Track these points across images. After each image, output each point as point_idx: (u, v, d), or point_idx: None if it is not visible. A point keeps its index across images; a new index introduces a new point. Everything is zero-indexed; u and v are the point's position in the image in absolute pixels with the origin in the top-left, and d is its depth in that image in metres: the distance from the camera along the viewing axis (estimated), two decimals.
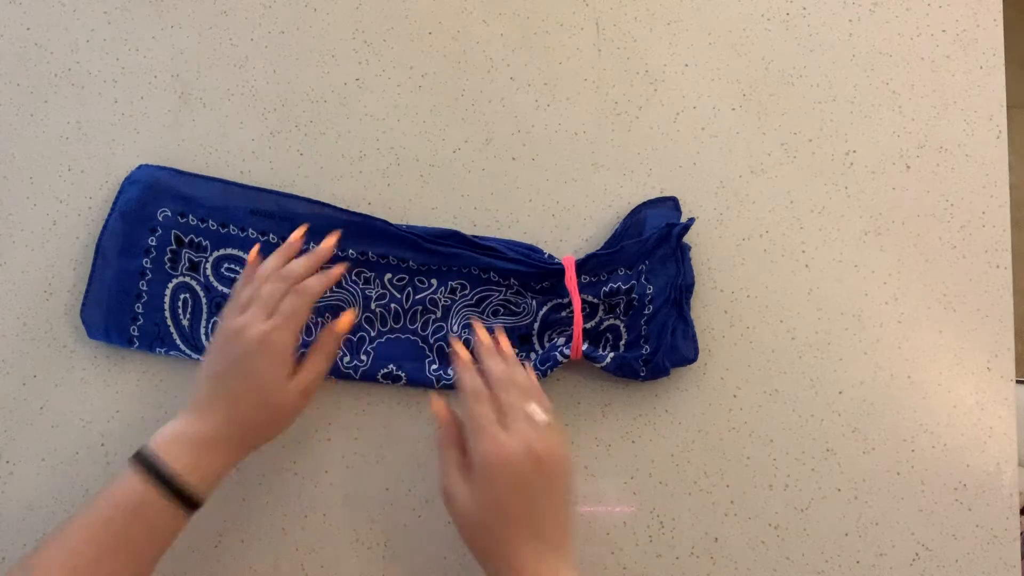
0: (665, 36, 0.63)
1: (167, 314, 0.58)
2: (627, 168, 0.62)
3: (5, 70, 0.61)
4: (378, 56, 0.62)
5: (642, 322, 0.58)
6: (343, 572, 0.58)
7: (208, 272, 0.58)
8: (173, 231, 0.58)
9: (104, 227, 0.58)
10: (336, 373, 0.58)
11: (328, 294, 0.59)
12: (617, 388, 0.60)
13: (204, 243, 0.58)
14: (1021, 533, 0.60)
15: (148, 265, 0.58)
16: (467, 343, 0.59)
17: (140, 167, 0.59)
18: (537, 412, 0.48)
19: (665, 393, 0.60)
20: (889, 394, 0.60)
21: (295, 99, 0.62)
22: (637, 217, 0.60)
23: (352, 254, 0.59)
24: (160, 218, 0.58)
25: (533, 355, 0.58)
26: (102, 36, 0.62)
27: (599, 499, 0.59)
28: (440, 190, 0.61)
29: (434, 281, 0.59)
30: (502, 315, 0.59)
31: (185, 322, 0.58)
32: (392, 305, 0.59)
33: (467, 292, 0.59)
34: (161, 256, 0.58)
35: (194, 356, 0.58)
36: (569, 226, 0.61)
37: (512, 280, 0.59)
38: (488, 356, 0.52)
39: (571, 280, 0.57)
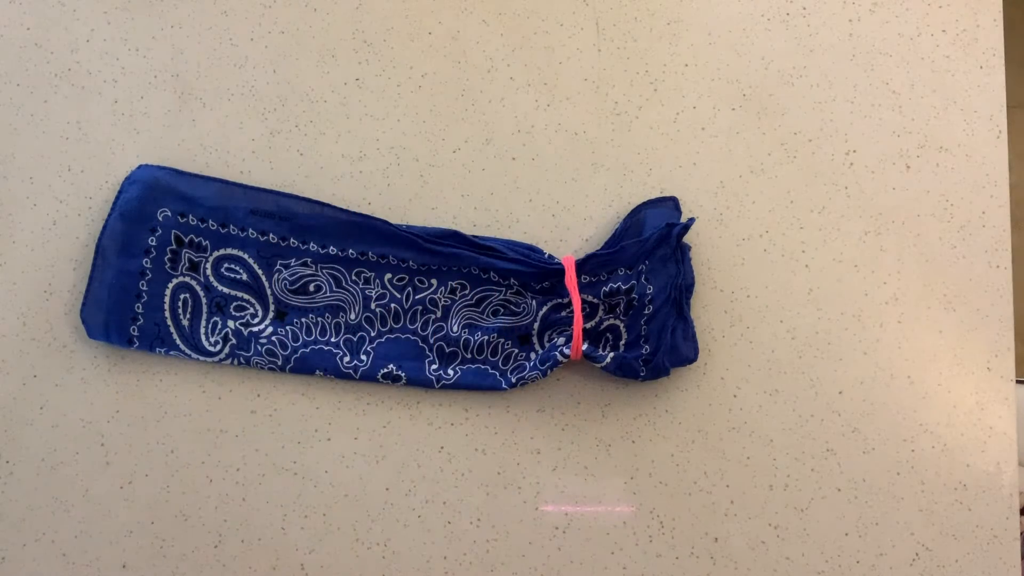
0: (665, 36, 0.63)
1: (167, 314, 0.58)
2: (627, 168, 0.62)
3: (5, 70, 0.61)
4: (378, 56, 0.62)
5: (642, 322, 0.58)
6: (343, 572, 0.58)
7: (208, 272, 0.58)
8: (173, 231, 0.58)
9: (104, 227, 0.58)
10: (336, 373, 0.58)
11: (328, 294, 0.59)
12: (617, 388, 0.60)
13: (204, 243, 0.58)
14: (1021, 533, 0.60)
15: (148, 265, 0.58)
16: (466, 343, 0.59)
17: (140, 167, 0.59)
18: None
19: (665, 393, 0.60)
20: (889, 394, 0.60)
21: (295, 99, 0.62)
22: (637, 217, 0.60)
23: (352, 254, 0.59)
24: (160, 218, 0.58)
25: (533, 355, 0.58)
26: (102, 36, 0.62)
27: (599, 499, 0.59)
28: (440, 190, 0.61)
29: (434, 281, 0.59)
30: (502, 315, 0.59)
31: (185, 322, 0.58)
32: (392, 305, 0.59)
33: (467, 292, 0.59)
34: (161, 256, 0.58)
35: (194, 356, 0.58)
36: (569, 226, 0.61)
37: (512, 280, 0.59)
38: None
39: (571, 280, 0.57)
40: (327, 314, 0.59)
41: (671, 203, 0.61)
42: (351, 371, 0.58)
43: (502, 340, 0.59)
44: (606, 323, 0.58)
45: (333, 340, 0.58)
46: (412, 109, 0.62)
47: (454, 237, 0.59)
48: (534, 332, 0.59)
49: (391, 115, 0.62)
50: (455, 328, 0.59)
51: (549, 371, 0.57)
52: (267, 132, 0.61)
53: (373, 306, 0.59)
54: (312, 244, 0.59)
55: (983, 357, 0.60)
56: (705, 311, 0.60)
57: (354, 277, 0.59)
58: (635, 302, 0.58)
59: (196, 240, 0.58)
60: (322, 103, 0.62)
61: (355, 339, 0.59)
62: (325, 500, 0.59)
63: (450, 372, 0.59)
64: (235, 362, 0.58)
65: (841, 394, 0.60)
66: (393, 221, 0.59)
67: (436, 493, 0.59)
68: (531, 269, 0.58)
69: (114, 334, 0.58)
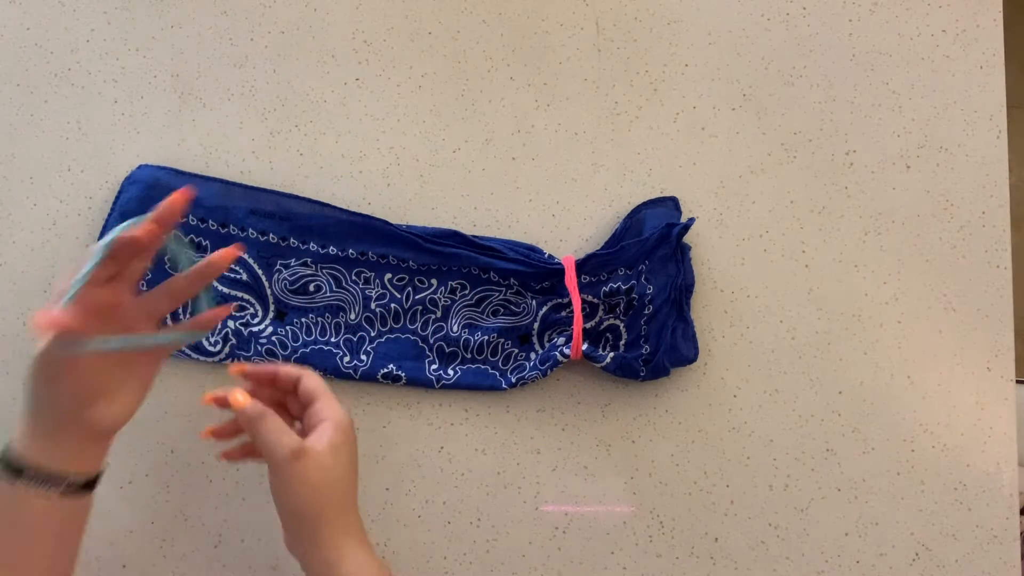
0: (665, 36, 0.63)
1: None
2: (627, 168, 0.62)
3: (5, 70, 0.61)
4: (378, 56, 0.62)
5: (642, 322, 0.58)
6: None
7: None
8: (173, 232, 0.58)
9: (104, 227, 0.58)
10: (336, 373, 0.58)
11: (328, 294, 0.59)
12: (617, 388, 0.60)
13: (204, 243, 0.58)
14: (1021, 533, 0.60)
15: (148, 265, 0.58)
16: (466, 343, 0.59)
17: (140, 167, 0.59)
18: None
19: (665, 393, 0.60)
20: (889, 394, 0.60)
21: (295, 99, 0.62)
22: (637, 217, 0.60)
23: (352, 254, 0.59)
24: None
25: (533, 355, 0.58)
26: (102, 36, 0.62)
27: (599, 499, 0.59)
28: (440, 190, 0.61)
29: (434, 281, 0.59)
30: (502, 315, 0.59)
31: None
32: (392, 305, 0.59)
33: (467, 292, 0.59)
34: (161, 256, 0.58)
35: (193, 356, 0.58)
36: (569, 226, 0.61)
37: (512, 280, 0.59)
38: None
39: (571, 280, 0.57)
40: (327, 314, 0.59)
41: (671, 203, 0.61)
42: (351, 371, 0.58)
43: (502, 340, 0.59)
44: (606, 323, 0.58)
45: (333, 340, 0.58)
46: (412, 109, 0.62)
47: (454, 237, 0.59)
48: (534, 332, 0.59)
49: (391, 115, 0.62)
50: (455, 328, 0.59)
51: (549, 371, 0.57)
52: (267, 132, 0.61)
53: (373, 306, 0.59)
54: (312, 244, 0.59)
55: (983, 357, 0.60)
56: (705, 311, 0.60)
57: (354, 277, 0.59)
58: (635, 302, 0.58)
59: (196, 240, 0.58)
60: (322, 103, 0.62)
61: (355, 339, 0.59)
62: None
63: (450, 372, 0.59)
64: (235, 362, 0.58)
65: (841, 394, 0.60)
66: (393, 221, 0.59)
67: (436, 493, 0.59)
68: (531, 269, 0.58)
69: None
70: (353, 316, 0.59)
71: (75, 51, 0.61)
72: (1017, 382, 0.61)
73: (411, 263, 0.59)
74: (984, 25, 0.62)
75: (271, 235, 0.58)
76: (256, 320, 0.58)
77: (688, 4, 0.63)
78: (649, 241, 0.58)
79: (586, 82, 0.62)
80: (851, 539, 0.59)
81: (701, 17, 0.63)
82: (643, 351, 0.58)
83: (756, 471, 0.59)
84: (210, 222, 0.58)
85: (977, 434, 0.59)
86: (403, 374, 0.58)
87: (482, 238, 0.59)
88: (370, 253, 0.59)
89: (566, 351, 0.57)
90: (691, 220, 0.58)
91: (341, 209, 0.59)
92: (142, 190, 0.58)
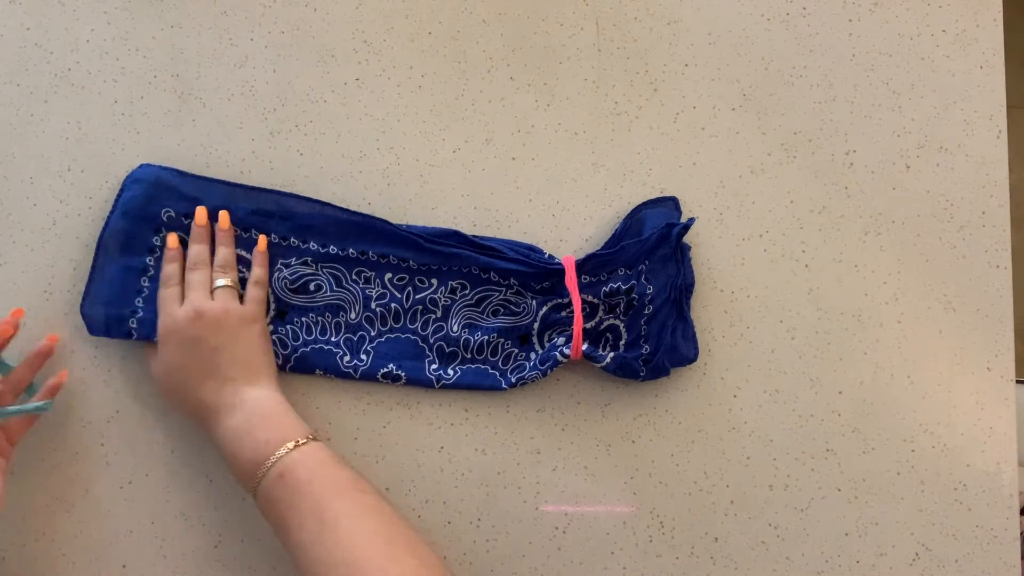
0: (665, 36, 0.63)
1: None
2: (627, 168, 0.62)
3: (5, 70, 0.61)
4: (378, 56, 0.62)
5: (642, 322, 0.58)
6: None
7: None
8: (177, 233, 0.58)
9: (106, 224, 0.58)
10: (336, 372, 0.58)
11: (329, 294, 0.59)
12: (617, 388, 0.60)
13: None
14: (1021, 533, 0.60)
15: (151, 263, 0.58)
16: (466, 343, 0.59)
17: (142, 166, 0.59)
18: (220, 280, 0.56)
19: (665, 393, 0.60)
20: (889, 394, 0.60)
21: (295, 99, 0.62)
22: (637, 217, 0.60)
23: (352, 253, 0.59)
24: (164, 218, 0.58)
25: (533, 355, 0.58)
26: (102, 36, 0.62)
27: (599, 499, 0.59)
28: (440, 190, 0.61)
29: (434, 281, 0.59)
30: (502, 315, 0.59)
31: None
32: (392, 305, 0.59)
33: (467, 292, 0.59)
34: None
35: None
36: (569, 226, 0.61)
37: (512, 280, 0.59)
38: (193, 240, 0.57)
39: (571, 280, 0.57)
40: (327, 313, 0.59)
41: (671, 203, 0.61)
42: (351, 370, 0.58)
43: (502, 340, 0.59)
44: (606, 323, 0.58)
45: (333, 339, 0.58)
46: (412, 109, 0.62)
47: (454, 237, 0.59)
48: (534, 332, 0.59)
49: (391, 115, 0.62)
50: (455, 328, 0.59)
51: (549, 371, 0.57)
52: (267, 132, 0.61)
53: (373, 305, 0.59)
54: (312, 243, 0.59)
55: (983, 357, 0.60)
56: (705, 311, 0.60)
57: (354, 277, 0.59)
58: (635, 302, 0.58)
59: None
60: (322, 103, 0.62)
61: (355, 338, 0.59)
62: None
63: (450, 372, 0.59)
64: None
65: (841, 394, 0.60)
66: (393, 221, 0.59)
67: (436, 493, 0.59)
68: (531, 269, 0.58)
69: (113, 328, 0.57)
70: (353, 315, 0.59)
71: (75, 51, 0.61)
72: (1017, 382, 0.61)
73: (411, 263, 0.59)
74: (984, 25, 0.62)
75: (272, 235, 0.58)
76: None
77: (688, 4, 0.63)
78: (649, 241, 0.58)
79: (586, 82, 0.62)
80: (851, 539, 0.59)
81: (701, 17, 0.63)
82: (643, 351, 0.58)
83: (756, 471, 0.59)
84: (212, 223, 0.58)
85: (977, 434, 0.59)
86: (403, 374, 0.58)
87: (482, 238, 0.59)
88: (370, 253, 0.59)
89: (566, 351, 0.57)
90: (691, 220, 0.58)
91: (342, 208, 0.59)
92: (145, 189, 0.58)
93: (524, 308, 0.59)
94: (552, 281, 0.58)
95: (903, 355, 0.60)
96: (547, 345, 0.58)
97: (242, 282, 0.58)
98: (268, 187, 0.60)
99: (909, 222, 0.61)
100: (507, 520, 0.59)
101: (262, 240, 0.58)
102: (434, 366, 0.59)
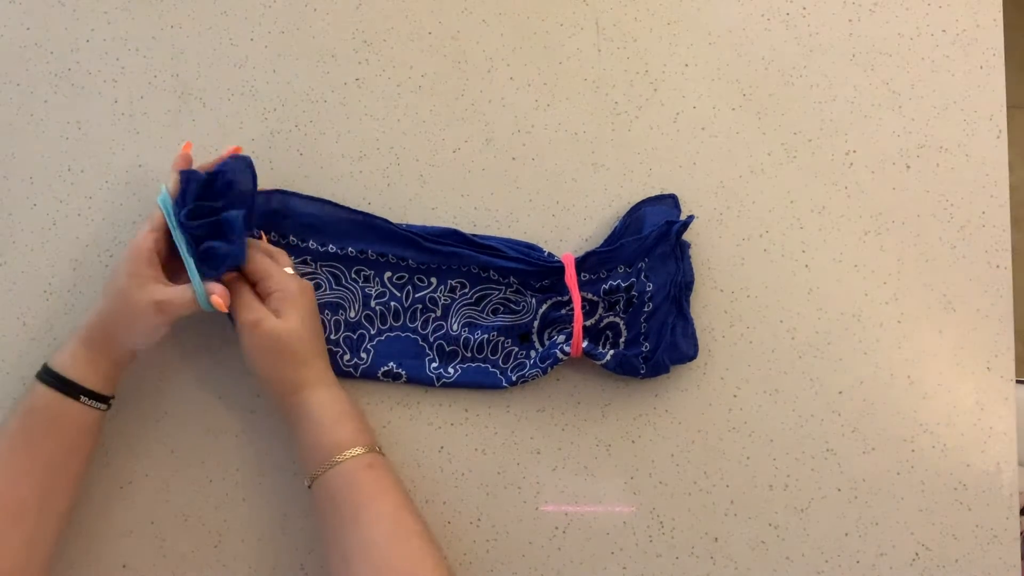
0: (665, 36, 0.63)
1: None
2: (627, 168, 0.62)
3: (5, 70, 0.61)
4: (378, 56, 0.62)
5: (642, 319, 0.58)
6: None
7: None
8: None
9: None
10: (337, 371, 0.58)
11: (328, 292, 0.59)
12: (617, 388, 0.60)
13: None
14: (1021, 533, 0.60)
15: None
16: (466, 342, 0.59)
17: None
18: (288, 270, 0.56)
19: (665, 393, 0.60)
20: (889, 394, 0.60)
21: (295, 99, 0.62)
22: (636, 215, 0.60)
23: (351, 252, 0.59)
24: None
25: (533, 353, 0.58)
26: (102, 36, 0.62)
27: (599, 499, 0.59)
28: (440, 190, 0.61)
29: (433, 280, 0.59)
30: (502, 313, 0.59)
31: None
32: (392, 303, 0.59)
33: (467, 291, 0.59)
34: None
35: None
36: (569, 226, 0.61)
37: (511, 278, 0.59)
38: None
39: (571, 278, 0.57)
40: (327, 311, 0.59)
41: (670, 200, 0.61)
42: (351, 369, 0.58)
43: (502, 338, 0.59)
44: (606, 321, 0.58)
45: (332, 338, 0.58)
46: (412, 109, 0.62)
47: (454, 236, 0.59)
48: (534, 330, 0.59)
49: (391, 115, 0.62)
50: (455, 327, 0.59)
51: (549, 369, 0.57)
52: (267, 132, 0.61)
53: (373, 304, 0.59)
54: (311, 242, 0.59)
55: (983, 357, 0.60)
56: (705, 311, 0.60)
57: (353, 275, 0.59)
58: (635, 300, 0.58)
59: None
60: (322, 103, 0.62)
61: (355, 337, 0.59)
62: None
63: (450, 371, 0.59)
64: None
65: (841, 394, 0.60)
66: (393, 221, 0.59)
67: (436, 493, 0.59)
68: (531, 267, 0.58)
69: None
70: (353, 314, 0.59)
71: (75, 51, 0.61)
72: (1017, 382, 0.61)
73: (410, 261, 0.59)
74: (984, 25, 0.62)
75: (272, 233, 0.58)
76: None
77: (688, 4, 0.63)
78: (648, 239, 0.58)
79: (586, 82, 0.62)
80: (851, 539, 0.59)
81: (701, 17, 0.63)
82: (643, 349, 0.58)
83: (756, 471, 0.59)
84: None
85: (977, 434, 0.59)
86: (403, 372, 0.58)
87: (481, 237, 0.59)
88: (369, 252, 0.59)
89: (566, 349, 0.57)
90: (690, 217, 0.58)
91: (342, 207, 0.59)
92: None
93: (524, 306, 0.59)
94: (552, 279, 0.58)
95: (903, 355, 0.60)
96: (547, 343, 0.58)
97: None
98: (268, 187, 0.60)
99: (909, 222, 0.61)
100: (507, 520, 0.59)
101: (264, 239, 0.58)
102: (434, 365, 0.59)
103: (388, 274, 0.59)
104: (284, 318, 0.53)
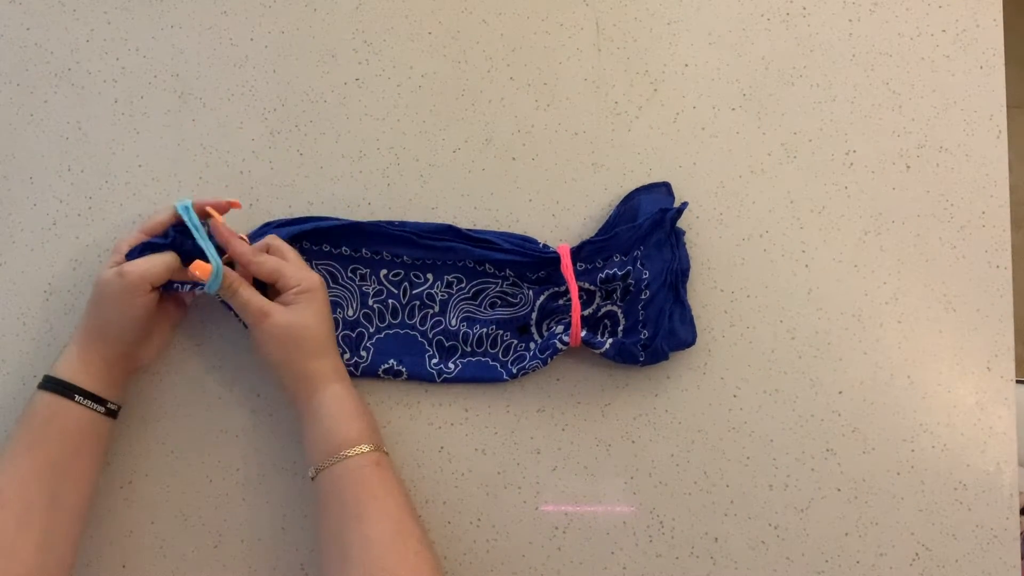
0: (665, 36, 0.63)
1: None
2: (627, 168, 0.62)
3: (5, 70, 0.61)
4: (378, 56, 0.62)
5: (639, 307, 0.58)
6: None
7: None
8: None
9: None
10: None
11: (329, 290, 0.59)
12: (617, 388, 0.60)
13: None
14: (1021, 533, 0.60)
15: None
16: (465, 337, 0.59)
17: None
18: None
19: (665, 393, 0.60)
20: (889, 394, 0.60)
21: (295, 99, 0.62)
22: (630, 203, 0.60)
23: (346, 251, 0.59)
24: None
25: (532, 345, 0.58)
26: (102, 36, 0.62)
27: (599, 499, 0.59)
28: (440, 190, 0.61)
29: (430, 276, 0.59)
30: (499, 307, 0.59)
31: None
32: (390, 301, 0.59)
33: (463, 285, 0.59)
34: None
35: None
36: (569, 226, 0.61)
37: (508, 271, 0.59)
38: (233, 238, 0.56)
39: (567, 268, 0.57)
40: None
41: (664, 188, 0.61)
42: (352, 368, 0.58)
43: (501, 331, 0.59)
44: (604, 309, 0.58)
45: None
46: (412, 109, 0.62)
47: (448, 231, 0.59)
48: (532, 322, 0.59)
49: (391, 115, 0.62)
50: (453, 322, 0.59)
51: (549, 359, 0.57)
52: (267, 132, 0.61)
53: (371, 302, 0.59)
54: (305, 242, 0.59)
55: (983, 357, 0.60)
56: (705, 311, 0.60)
57: (350, 274, 0.59)
58: (631, 288, 0.58)
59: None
60: (322, 103, 0.62)
61: (354, 335, 0.59)
62: None
63: (450, 366, 0.59)
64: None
65: (841, 394, 0.60)
66: (393, 220, 0.59)
67: (436, 493, 0.59)
68: (526, 259, 0.58)
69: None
70: (351, 312, 0.59)
71: (75, 51, 0.61)
72: (1017, 382, 0.61)
73: (405, 258, 0.59)
74: (984, 25, 0.62)
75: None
76: None
77: (688, 4, 0.63)
78: (643, 227, 0.58)
79: (586, 82, 0.62)
80: (851, 539, 0.59)
81: (701, 17, 0.63)
82: (642, 336, 0.58)
83: (756, 471, 0.59)
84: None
85: (977, 434, 0.59)
86: (404, 369, 0.58)
87: (476, 231, 0.59)
88: (363, 250, 0.59)
89: (565, 339, 0.57)
90: (684, 204, 0.58)
91: (330, 220, 0.58)
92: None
93: (521, 299, 0.59)
94: (548, 270, 0.58)
95: (903, 355, 0.60)
96: (546, 334, 0.58)
97: None
98: (268, 185, 0.60)
99: (909, 222, 0.61)
100: (507, 520, 0.59)
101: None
102: (434, 360, 0.59)
103: (384, 271, 0.59)
104: (294, 310, 0.53)
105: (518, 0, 0.63)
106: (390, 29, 0.62)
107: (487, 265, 0.59)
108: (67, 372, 0.52)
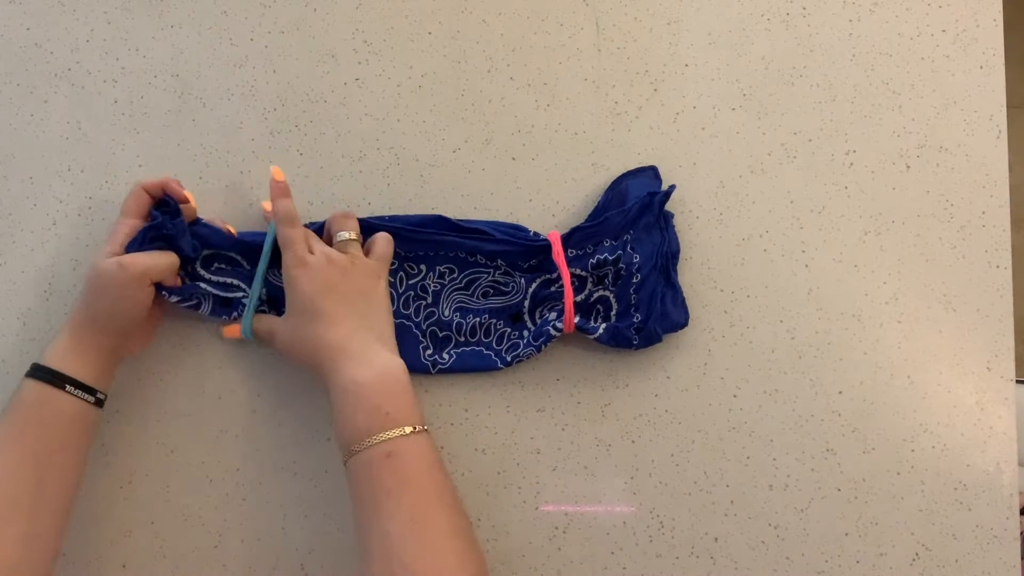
0: (665, 36, 0.63)
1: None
2: (627, 168, 0.62)
3: (5, 70, 0.61)
4: (378, 56, 0.62)
5: (631, 291, 0.58)
6: (343, 572, 0.58)
7: (199, 269, 0.58)
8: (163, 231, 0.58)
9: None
10: None
11: None
12: (617, 388, 0.60)
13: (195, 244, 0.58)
14: (1021, 533, 0.60)
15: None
16: (459, 327, 0.59)
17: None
18: (342, 234, 0.56)
19: (665, 393, 0.60)
20: (889, 394, 0.60)
21: (295, 99, 0.62)
22: (618, 188, 0.60)
23: None
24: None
25: (526, 332, 0.59)
26: (102, 36, 0.62)
27: (599, 499, 0.59)
28: (440, 190, 0.61)
29: (423, 267, 0.59)
30: (492, 296, 0.59)
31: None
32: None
33: (455, 276, 0.59)
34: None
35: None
36: (569, 226, 0.61)
37: (499, 261, 0.59)
38: (279, 195, 0.56)
39: (558, 255, 0.57)
40: None
41: (651, 172, 0.61)
42: None
43: (494, 321, 0.59)
44: (596, 295, 0.58)
45: None
46: (412, 109, 0.62)
47: (439, 222, 0.59)
48: (525, 310, 0.59)
49: (391, 115, 0.62)
50: (446, 312, 0.59)
51: (543, 346, 0.57)
52: (267, 132, 0.61)
53: None
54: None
55: (983, 357, 0.60)
56: (705, 311, 0.60)
57: None
58: (623, 272, 0.58)
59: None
60: (322, 103, 0.62)
61: None
62: (325, 500, 0.59)
63: (445, 356, 0.59)
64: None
65: (841, 394, 0.60)
66: (384, 216, 0.59)
67: None
68: (517, 248, 0.58)
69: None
70: None
71: (75, 51, 0.61)
72: (1017, 382, 0.61)
73: (399, 250, 0.59)
74: (984, 25, 0.62)
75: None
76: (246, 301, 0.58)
77: (688, 4, 0.63)
78: (632, 211, 0.58)
79: (586, 82, 0.62)
80: (851, 539, 0.59)
81: (701, 17, 0.63)
82: (634, 320, 0.58)
83: (756, 471, 0.59)
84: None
85: (977, 434, 0.59)
86: None
87: (467, 221, 0.59)
88: None
89: (559, 325, 0.57)
90: (672, 187, 0.59)
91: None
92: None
93: (513, 287, 0.59)
94: (539, 258, 0.58)
95: (903, 355, 0.60)
96: (539, 321, 0.59)
97: (225, 273, 0.58)
98: (266, 185, 0.59)
99: (909, 222, 0.61)
100: (507, 520, 0.59)
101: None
102: (428, 352, 0.59)
103: None
104: (284, 319, 0.54)
105: (518, 0, 0.63)
106: (390, 29, 0.62)
107: (478, 255, 0.59)
108: (58, 361, 0.52)
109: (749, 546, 0.59)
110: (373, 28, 0.62)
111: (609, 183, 0.61)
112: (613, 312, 0.58)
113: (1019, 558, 0.58)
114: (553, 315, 0.58)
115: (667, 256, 0.58)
